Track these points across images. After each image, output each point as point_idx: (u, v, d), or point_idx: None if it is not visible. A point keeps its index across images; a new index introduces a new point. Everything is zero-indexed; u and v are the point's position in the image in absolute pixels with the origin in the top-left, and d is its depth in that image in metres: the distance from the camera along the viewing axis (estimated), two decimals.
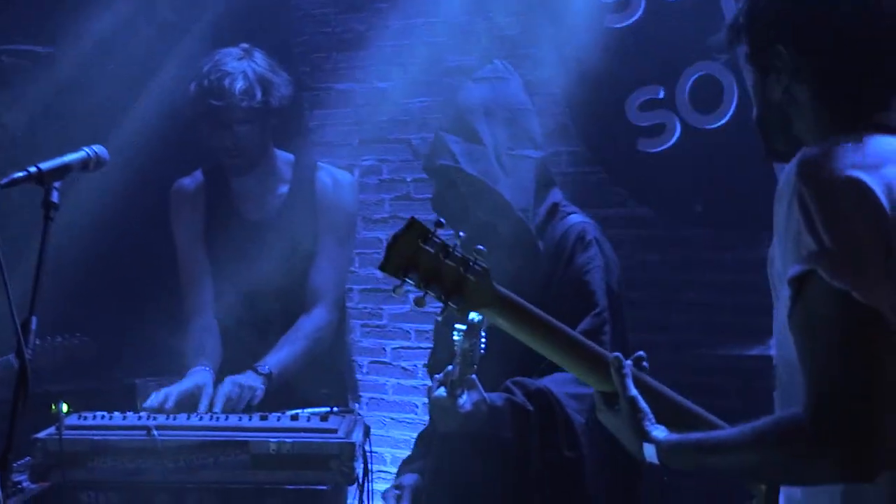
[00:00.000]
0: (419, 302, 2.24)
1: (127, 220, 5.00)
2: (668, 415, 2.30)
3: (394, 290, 2.26)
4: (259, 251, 4.11)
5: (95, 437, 3.45)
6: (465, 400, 3.00)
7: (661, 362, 5.08)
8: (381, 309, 5.87)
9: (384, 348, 5.85)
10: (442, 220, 2.28)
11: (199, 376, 3.84)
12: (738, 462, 2.04)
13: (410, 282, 2.20)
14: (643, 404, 2.27)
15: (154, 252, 4.52)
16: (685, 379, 5.12)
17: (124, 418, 3.56)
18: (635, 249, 5.18)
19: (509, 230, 3.29)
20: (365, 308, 5.87)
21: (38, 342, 3.87)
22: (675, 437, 2.20)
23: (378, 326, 5.87)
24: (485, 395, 3.02)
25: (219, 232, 4.19)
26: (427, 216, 4.47)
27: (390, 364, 5.83)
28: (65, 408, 3.58)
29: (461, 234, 2.31)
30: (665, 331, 5.12)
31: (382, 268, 2.21)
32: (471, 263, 2.20)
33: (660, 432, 2.22)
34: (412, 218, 2.22)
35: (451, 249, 2.19)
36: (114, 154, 2.89)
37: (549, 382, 3.10)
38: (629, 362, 2.37)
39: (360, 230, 5.60)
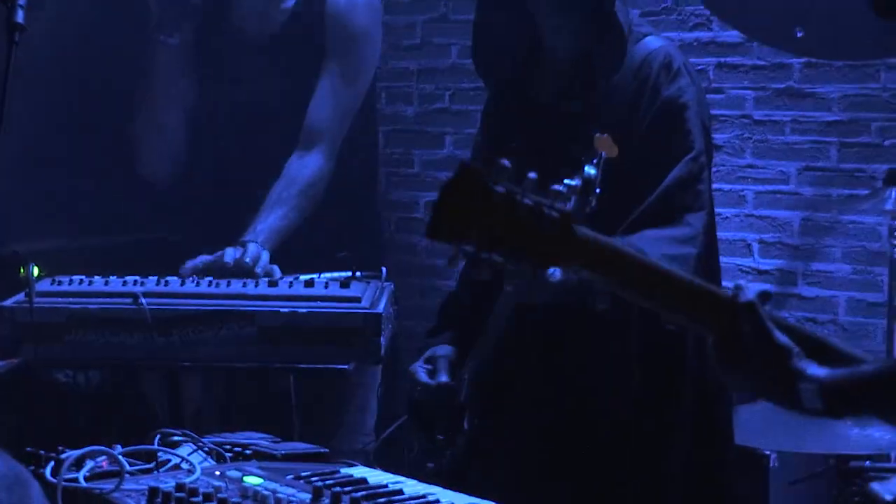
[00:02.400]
0: (454, 262, 2.03)
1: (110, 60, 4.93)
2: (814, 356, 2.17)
3: (449, 263, 2.03)
4: (254, 76, 4.09)
5: (73, 306, 3.50)
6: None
7: (750, 224, 5.08)
8: (412, 154, 5.82)
9: (416, 201, 5.82)
10: (504, 162, 1.98)
11: None
12: None
13: (469, 248, 1.98)
14: (786, 339, 2.12)
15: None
16: (788, 238, 5.14)
17: (106, 283, 3.59)
18: (721, 80, 5.15)
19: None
20: (392, 154, 5.82)
21: None
22: (839, 371, 2.09)
23: (409, 175, 5.83)
24: None
25: (209, 50, 4.17)
26: (465, 42, 4.38)
27: (423, 220, 5.79)
28: (35, 271, 3.56)
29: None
30: (757, 182, 5.09)
31: (433, 234, 1.96)
32: (545, 211, 2.00)
33: (817, 368, 2.10)
34: (464, 163, 1.98)
35: (519, 197, 1.97)
36: None
37: (643, 243, 3.03)
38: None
39: (387, 59, 5.51)
